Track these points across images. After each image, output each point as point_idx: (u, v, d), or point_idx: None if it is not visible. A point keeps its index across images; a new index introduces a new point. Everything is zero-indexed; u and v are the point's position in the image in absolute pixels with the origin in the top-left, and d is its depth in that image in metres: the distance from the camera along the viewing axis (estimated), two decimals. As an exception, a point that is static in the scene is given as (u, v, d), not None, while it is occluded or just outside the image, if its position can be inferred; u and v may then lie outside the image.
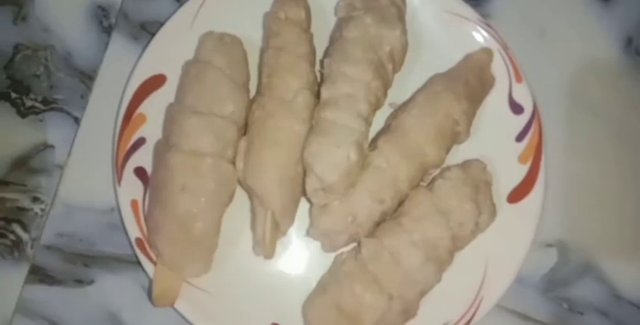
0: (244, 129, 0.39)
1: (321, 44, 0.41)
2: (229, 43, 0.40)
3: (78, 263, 0.40)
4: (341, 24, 0.41)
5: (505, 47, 0.42)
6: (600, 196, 0.44)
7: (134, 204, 0.39)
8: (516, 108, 0.42)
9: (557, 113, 0.44)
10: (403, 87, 0.41)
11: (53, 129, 0.42)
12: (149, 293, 0.38)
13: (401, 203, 0.39)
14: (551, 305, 0.43)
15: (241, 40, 0.40)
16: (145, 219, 0.38)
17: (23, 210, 0.41)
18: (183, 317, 0.38)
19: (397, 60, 0.40)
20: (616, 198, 0.44)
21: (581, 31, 0.45)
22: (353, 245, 0.39)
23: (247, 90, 0.40)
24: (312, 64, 0.40)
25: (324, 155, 0.36)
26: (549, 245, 0.43)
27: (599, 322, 0.43)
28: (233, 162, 0.38)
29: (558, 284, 0.43)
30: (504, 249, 0.40)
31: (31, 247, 0.41)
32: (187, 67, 0.39)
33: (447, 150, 0.40)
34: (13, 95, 0.42)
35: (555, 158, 0.42)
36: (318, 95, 0.39)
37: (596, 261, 0.43)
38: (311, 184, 0.37)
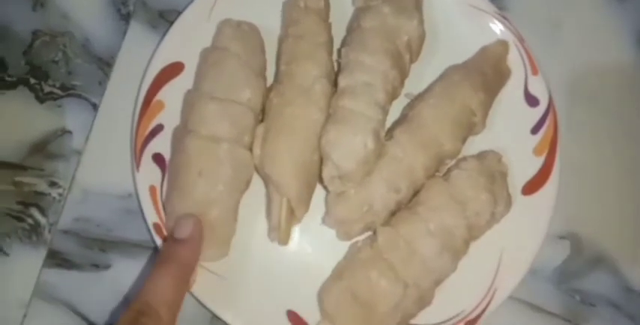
0: (261, 116, 0.39)
1: (338, 34, 0.41)
2: (247, 31, 0.40)
3: (95, 248, 0.41)
4: (359, 14, 0.41)
5: (521, 39, 0.42)
6: (612, 189, 0.44)
7: (152, 189, 0.39)
8: (532, 100, 0.42)
9: (568, 106, 0.44)
10: (419, 78, 0.41)
11: (71, 115, 0.42)
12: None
13: (416, 193, 0.39)
14: (564, 297, 0.43)
15: (259, 28, 0.41)
16: (163, 205, 0.39)
17: (41, 194, 0.41)
18: (198, 301, 0.38)
19: (414, 50, 0.41)
20: (628, 191, 0.44)
21: (594, 26, 0.45)
22: (367, 233, 0.39)
23: (264, 78, 0.40)
24: (330, 53, 0.40)
25: (341, 143, 0.36)
26: (562, 238, 0.43)
27: (610, 314, 0.43)
28: (250, 149, 0.38)
29: (570, 276, 0.43)
30: (518, 241, 0.40)
31: (49, 231, 0.41)
32: (205, 54, 0.40)
33: (463, 141, 0.40)
34: (32, 81, 0.43)
35: (568, 151, 0.42)
36: (335, 84, 0.39)
37: (608, 254, 0.43)
38: (328, 172, 0.37)
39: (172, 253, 0.35)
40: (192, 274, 0.36)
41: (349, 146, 0.36)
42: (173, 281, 0.33)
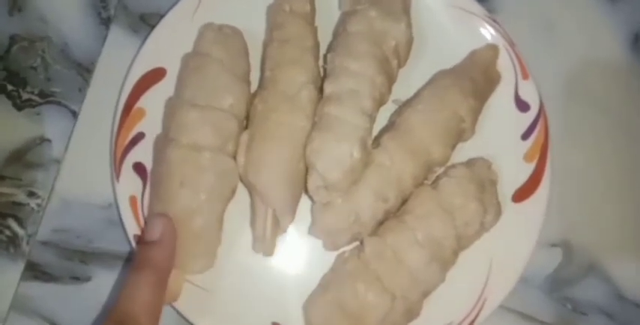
0: (245, 123, 0.39)
1: (324, 38, 0.41)
2: (229, 35, 0.39)
3: (75, 260, 0.40)
4: (345, 18, 0.40)
5: (511, 43, 0.41)
6: (605, 196, 0.43)
7: (132, 200, 0.38)
8: (522, 105, 0.41)
9: (562, 110, 0.43)
10: (407, 84, 0.41)
11: (50, 123, 0.41)
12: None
13: (404, 201, 0.38)
14: (555, 305, 0.42)
15: (243, 32, 0.40)
16: (145, 216, 0.38)
17: (19, 205, 0.40)
18: (181, 314, 0.37)
19: (402, 55, 0.40)
20: (620, 198, 0.44)
21: (587, 28, 0.45)
22: (355, 243, 0.38)
23: (248, 83, 0.39)
24: (317, 58, 0.39)
25: (326, 152, 0.36)
26: (553, 245, 0.43)
27: (603, 323, 0.42)
28: (234, 156, 0.37)
29: (562, 284, 0.42)
30: (508, 249, 0.39)
31: (27, 243, 0.40)
32: (186, 60, 0.39)
33: (452, 148, 0.39)
34: (10, 87, 0.41)
35: (560, 157, 0.42)
36: (321, 90, 0.38)
37: (600, 262, 0.43)
38: (313, 182, 0.36)
39: (145, 257, 0.34)
40: (170, 278, 0.35)
41: (335, 155, 0.35)
42: (150, 287, 0.32)
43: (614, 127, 0.44)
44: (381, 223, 0.38)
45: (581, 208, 0.43)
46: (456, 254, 0.37)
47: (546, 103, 0.41)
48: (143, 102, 0.39)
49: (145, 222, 0.35)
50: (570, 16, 0.45)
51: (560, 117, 0.43)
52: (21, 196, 0.40)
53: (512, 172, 0.40)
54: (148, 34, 0.40)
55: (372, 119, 0.38)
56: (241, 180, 0.38)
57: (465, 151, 0.40)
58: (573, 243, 0.43)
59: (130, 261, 0.40)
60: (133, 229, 0.38)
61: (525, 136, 0.41)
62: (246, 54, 0.40)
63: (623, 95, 0.44)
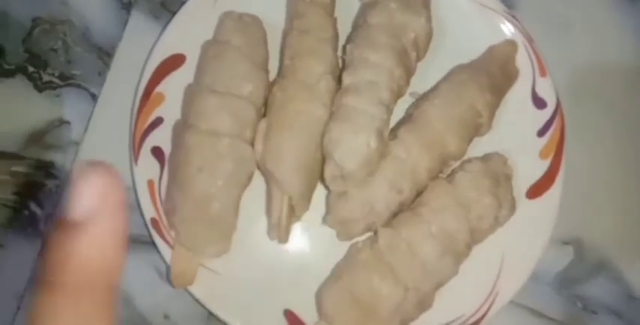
0: (263, 110, 0.39)
1: (344, 30, 0.41)
2: (249, 23, 0.39)
3: (90, 242, 0.40)
4: (365, 9, 0.40)
5: (530, 40, 0.41)
6: (617, 195, 0.43)
7: (150, 184, 0.38)
8: (539, 102, 0.41)
9: (576, 109, 0.43)
10: (425, 77, 0.41)
11: (70, 105, 0.41)
12: (166, 274, 0.38)
13: (419, 194, 0.38)
14: (565, 303, 0.42)
15: (262, 20, 0.40)
16: (164, 200, 0.38)
17: (38, 185, 0.41)
18: (196, 299, 0.37)
19: (421, 48, 0.40)
20: (633, 198, 0.43)
21: (603, 27, 0.44)
22: (368, 234, 0.38)
23: (267, 71, 0.39)
24: (336, 49, 0.40)
25: (344, 141, 0.36)
26: (565, 243, 0.42)
27: (612, 322, 0.42)
28: (251, 143, 0.37)
29: (573, 282, 0.42)
30: (521, 245, 0.39)
31: (45, 223, 0.40)
32: (206, 47, 0.39)
33: (469, 142, 0.39)
34: (31, 69, 0.42)
35: (574, 154, 0.42)
36: (339, 81, 0.38)
37: (611, 261, 0.43)
38: (330, 171, 0.36)
39: None
40: (185, 261, 0.34)
41: (352, 145, 0.36)
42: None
43: (627, 127, 0.44)
44: (395, 214, 0.38)
45: (593, 207, 0.43)
46: (469, 247, 0.37)
47: (562, 103, 0.41)
48: (162, 87, 0.39)
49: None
50: (587, 15, 0.44)
51: (574, 116, 0.43)
52: (40, 177, 0.41)
53: (527, 169, 0.40)
54: (169, 20, 0.40)
55: (389, 110, 0.38)
56: (258, 168, 0.38)
57: (481, 146, 0.40)
58: (585, 242, 0.42)
59: (148, 245, 0.40)
60: (150, 213, 0.38)
61: (541, 133, 0.41)
62: (266, 42, 0.40)
63: (637, 95, 0.44)
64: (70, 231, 0.17)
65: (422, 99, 0.40)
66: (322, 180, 0.37)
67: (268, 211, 0.38)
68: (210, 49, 0.38)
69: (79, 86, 0.42)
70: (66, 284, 0.17)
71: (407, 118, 0.40)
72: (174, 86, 0.39)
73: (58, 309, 0.17)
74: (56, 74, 0.42)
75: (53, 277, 0.17)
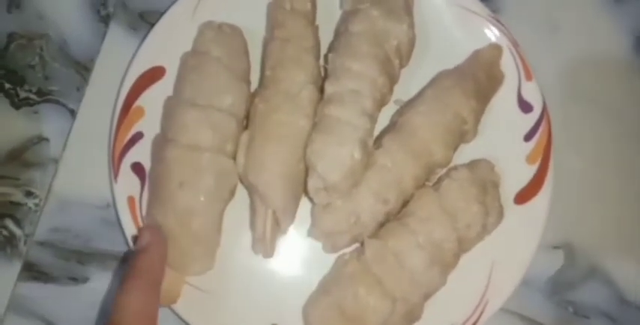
0: (245, 122, 0.38)
1: (325, 37, 0.40)
2: (229, 33, 0.38)
3: (72, 260, 0.39)
4: (346, 17, 0.39)
5: (515, 44, 0.41)
6: (607, 198, 0.43)
7: (131, 200, 0.38)
8: (525, 106, 0.41)
9: (564, 111, 0.43)
10: (409, 84, 0.40)
11: (48, 122, 0.41)
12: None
13: (406, 203, 0.38)
14: (557, 308, 0.42)
15: (243, 30, 0.39)
16: (145, 216, 0.37)
17: (16, 204, 0.40)
18: (180, 317, 0.37)
19: (404, 55, 0.39)
20: (623, 201, 0.43)
21: (591, 28, 0.44)
22: (355, 245, 0.38)
23: (248, 82, 0.39)
24: (317, 58, 0.39)
25: (326, 153, 0.35)
26: (556, 248, 0.42)
27: (604, 326, 0.42)
28: (233, 157, 0.37)
29: (564, 287, 0.42)
30: (510, 252, 0.39)
31: (25, 243, 0.40)
32: (185, 59, 0.38)
33: (454, 150, 0.39)
34: (7, 86, 0.41)
35: (562, 159, 0.41)
36: (322, 90, 0.38)
37: (602, 264, 0.42)
38: (313, 183, 0.36)
39: (135, 266, 0.34)
40: (169, 280, 0.35)
41: (335, 157, 0.35)
42: (141, 295, 0.32)
43: (617, 129, 0.44)
44: (381, 225, 0.37)
45: (583, 210, 0.43)
46: (457, 257, 0.37)
47: (549, 104, 0.40)
48: (142, 101, 0.39)
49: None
50: (574, 16, 0.44)
51: (563, 119, 0.42)
52: (18, 196, 0.40)
53: (515, 174, 0.40)
54: (148, 32, 0.39)
55: (372, 120, 0.37)
56: (241, 181, 0.37)
57: (467, 152, 0.40)
58: (575, 246, 0.42)
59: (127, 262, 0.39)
60: (130, 230, 0.37)
61: (528, 138, 0.40)
62: (246, 52, 0.39)
63: (626, 96, 0.44)
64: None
65: (407, 106, 0.40)
66: (306, 192, 0.37)
67: (252, 225, 0.38)
68: (190, 61, 0.38)
69: (57, 102, 0.41)
70: None
71: (392, 126, 0.39)
72: (154, 99, 0.38)
73: None
74: (34, 90, 0.41)
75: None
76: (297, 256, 0.39)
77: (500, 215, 0.38)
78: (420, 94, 0.40)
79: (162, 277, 0.34)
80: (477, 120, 0.39)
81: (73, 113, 0.41)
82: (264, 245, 0.37)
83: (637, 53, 0.44)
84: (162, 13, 0.39)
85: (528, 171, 0.40)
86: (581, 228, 0.42)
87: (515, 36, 0.41)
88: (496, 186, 0.39)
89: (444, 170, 0.39)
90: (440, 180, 0.39)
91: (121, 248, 0.39)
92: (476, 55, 0.41)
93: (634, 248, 0.43)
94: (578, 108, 0.43)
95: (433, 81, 0.40)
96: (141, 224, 0.37)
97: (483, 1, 0.41)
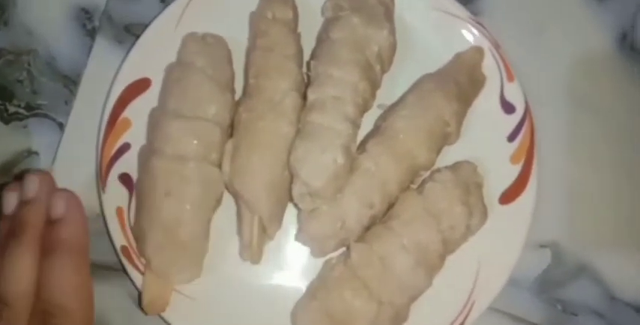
0: (229, 131, 0.39)
1: (308, 44, 0.41)
2: (212, 44, 0.39)
3: (63, 271, 0.40)
4: (328, 25, 0.40)
5: (496, 45, 0.41)
6: (595, 196, 0.43)
7: (119, 211, 0.38)
8: (508, 107, 0.41)
9: (551, 111, 0.43)
10: (392, 88, 0.41)
11: (37, 136, 0.41)
12: (139, 301, 0.38)
13: (390, 206, 0.38)
14: (545, 306, 0.42)
15: (226, 40, 0.40)
16: (132, 227, 0.38)
17: (8, 217, 0.41)
18: (168, 324, 0.37)
19: (385, 60, 0.40)
20: (610, 198, 0.43)
21: (575, 28, 0.44)
22: (342, 249, 0.38)
23: (232, 91, 0.39)
24: (300, 65, 0.40)
25: (309, 159, 0.36)
26: (543, 246, 0.42)
27: (593, 323, 0.42)
28: (218, 165, 0.37)
29: (552, 285, 0.42)
30: (496, 251, 0.39)
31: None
32: (169, 70, 0.39)
33: (438, 152, 0.39)
34: (-4, 101, 0.42)
35: (549, 158, 0.42)
36: (305, 97, 0.38)
37: (590, 262, 0.43)
38: (297, 189, 0.36)
39: (55, 239, 0.31)
40: (158, 288, 0.34)
41: (318, 163, 0.36)
42: (74, 273, 0.31)
43: (605, 128, 0.44)
44: (367, 228, 0.38)
45: (570, 209, 0.43)
46: (442, 258, 0.37)
47: (535, 105, 0.41)
48: (128, 112, 0.39)
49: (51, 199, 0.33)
50: (558, 16, 0.44)
51: (550, 119, 0.43)
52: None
53: (499, 174, 0.40)
54: (133, 44, 0.40)
55: (355, 125, 0.38)
56: (227, 189, 0.38)
57: (451, 154, 0.40)
58: (562, 244, 0.42)
59: (119, 272, 0.39)
60: (119, 240, 0.38)
61: (511, 138, 0.41)
62: (230, 62, 0.40)
63: (613, 95, 0.44)
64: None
65: (389, 111, 0.40)
66: (292, 198, 0.37)
67: (239, 232, 0.38)
68: (174, 72, 0.39)
69: (45, 116, 0.42)
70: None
71: (375, 131, 0.40)
72: (140, 111, 0.39)
73: None
74: (22, 105, 0.42)
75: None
76: (284, 262, 0.39)
77: (484, 215, 0.39)
78: (402, 98, 0.40)
79: (86, 249, 0.32)
80: (460, 122, 0.40)
81: (61, 126, 0.42)
82: (252, 252, 0.37)
83: (621, 51, 0.44)
84: (147, 26, 0.40)
85: (512, 171, 0.40)
86: (569, 227, 0.43)
87: (499, 37, 0.41)
88: (479, 187, 0.39)
89: (428, 173, 0.40)
90: (424, 182, 0.39)
91: (110, 259, 0.40)
92: (457, 58, 0.41)
93: (621, 245, 0.43)
94: (565, 108, 0.44)
95: (415, 85, 0.40)
96: (130, 234, 0.38)
97: (467, 2, 0.42)
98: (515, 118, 0.41)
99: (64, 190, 0.33)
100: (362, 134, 0.39)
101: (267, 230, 0.37)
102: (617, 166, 0.44)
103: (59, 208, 0.33)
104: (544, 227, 0.42)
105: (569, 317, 0.42)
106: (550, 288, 0.42)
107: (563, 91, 0.44)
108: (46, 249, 0.31)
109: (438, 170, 0.39)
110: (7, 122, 0.42)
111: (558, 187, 0.43)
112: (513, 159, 0.41)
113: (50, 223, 0.32)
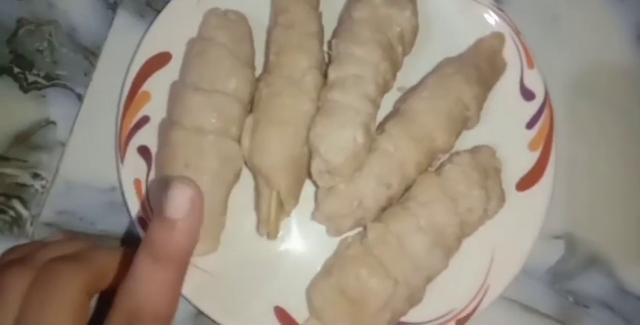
0: (249, 107, 0.39)
1: (329, 24, 0.40)
2: (233, 20, 0.39)
3: (77, 242, 0.40)
4: (350, 4, 0.40)
5: (517, 32, 0.41)
6: (609, 190, 0.43)
7: (137, 183, 0.38)
8: (527, 94, 0.41)
9: (565, 102, 0.43)
10: (412, 71, 0.40)
11: (55, 106, 0.41)
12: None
13: (408, 188, 0.38)
14: (557, 297, 0.42)
15: (247, 17, 0.40)
16: (148, 198, 0.38)
17: (23, 186, 0.40)
18: (185, 298, 0.37)
19: (407, 42, 0.40)
20: (625, 192, 0.43)
21: (592, 21, 0.44)
22: (358, 229, 0.38)
23: (252, 67, 0.39)
24: (321, 43, 0.39)
25: (329, 136, 0.36)
26: (557, 237, 0.42)
27: (604, 316, 0.42)
28: (238, 140, 0.37)
29: (564, 276, 0.42)
30: (512, 238, 0.39)
31: (31, 224, 0.40)
32: (191, 44, 0.39)
33: (457, 136, 0.39)
34: (16, 70, 0.41)
35: (565, 147, 0.41)
36: (326, 75, 0.38)
37: (603, 255, 0.42)
38: (316, 166, 0.36)
39: (166, 244, 0.25)
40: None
41: (338, 140, 0.35)
42: (170, 287, 0.26)
43: (621, 122, 0.44)
44: (384, 209, 0.38)
45: (585, 201, 0.43)
46: (459, 240, 0.37)
47: (552, 97, 0.41)
48: (148, 86, 0.39)
49: (166, 188, 0.26)
50: (576, 10, 0.44)
51: (567, 111, 0.43)
52: (25, 178, 0.40)
53: (517, 161, 0.40)
54: (154, 18, 0.40)
55: (375, 105, 0.38)
56: (246, 164, 0.38)
57: (469, 139, 0.40)
58: (576, 236, 0.42)
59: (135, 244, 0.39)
60: (137, 212, 0.38)
61: (530, 125, 0.41)
62: (251, 39, 0.40)
63: (629, 90, 0.44)
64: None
65: (409, 93, 0.40)
66: (310, 175, 0.37)
67: (257, 207, 0.38)
68: (195, 46, 0.38)
69: (64, 86, 0.42)
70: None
71: (394, 112, 0.40)
72: (160, 84, 0.39)
73: None
74: (42, 75, 0.42)
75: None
76: (301, 239, 0.39)
77: (502, 200, 0.38)
78: (422, 81, 0.40)
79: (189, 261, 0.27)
80: (480, 106, 0.39)
81: (80, 97, 0.41)
82: (269, 227, 0.37)
83: (637, 47, 0.44)
84: (168, 1, 0.40)
85: (530, 158, 0.40)
86: (583, 219, 0.42)
87: (518, 25, 0.41)
88: (498, 171, 0.39)
89: (446, 156, 0.39)
90: (442, 165, 0.39)
91: (120, 230, 0.40)
92: (478, 43, 0.41)
93: (634, 240, 0.43)
94: (582, 101, 0.43)
95: (436, 69, 0.40)
96: (147, 206, 0.38)
97: (487, -8, 0.42)
98: (534, 105, 0.41)
99: (192, 183, 0.26)
100: (381, 116, 0.39)
101: (285, 206, 0.37)
102: (631, 160, 0.44)
103: (182, 207, 0.26)
104: (558, 218, 0.42)
105: (580, 308, 0.42)
106: (562, 280, 0.42)
107: (574, 82, 0.43)
108: (153, 250, 0.26)
109: (457, 153, 0.39)
110: (26, 91, 0.41)
111: (575, 179, 0.42)
112: (532, 146, 0.41)
113: (164, 222, 0.26)
